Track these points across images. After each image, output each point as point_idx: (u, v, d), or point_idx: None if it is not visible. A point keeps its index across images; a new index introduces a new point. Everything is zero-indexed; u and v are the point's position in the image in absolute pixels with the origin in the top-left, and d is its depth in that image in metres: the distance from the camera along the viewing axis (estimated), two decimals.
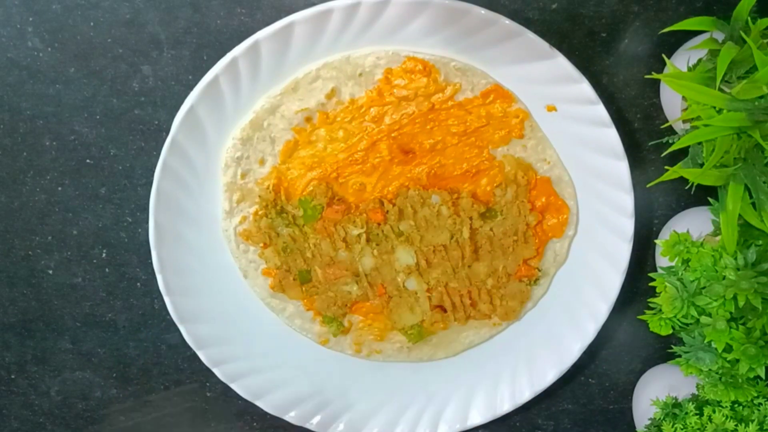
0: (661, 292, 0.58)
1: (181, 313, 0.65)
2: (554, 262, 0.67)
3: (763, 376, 0.56)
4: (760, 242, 0.56)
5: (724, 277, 0.55)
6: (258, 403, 0.67)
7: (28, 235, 0.69)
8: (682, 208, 0.68)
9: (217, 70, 0.60)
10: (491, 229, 0.65)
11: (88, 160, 0.68)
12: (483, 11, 0.59)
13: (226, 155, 0.64)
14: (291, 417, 0.67)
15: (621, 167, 0.62)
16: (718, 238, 0.57)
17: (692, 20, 0.55)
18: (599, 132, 0.62)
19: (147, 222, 0.63)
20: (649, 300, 0.59)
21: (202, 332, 0.66)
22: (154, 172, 0.62)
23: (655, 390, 0.66)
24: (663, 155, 0.57)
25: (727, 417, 0.58)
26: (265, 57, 0.60)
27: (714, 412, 0.58)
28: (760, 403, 0.58)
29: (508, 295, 0.67)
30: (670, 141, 0.55)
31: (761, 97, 0.50)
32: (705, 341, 0.57)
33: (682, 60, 0.58)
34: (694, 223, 0.62)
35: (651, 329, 0.59)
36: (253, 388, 0.67)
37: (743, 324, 0.56)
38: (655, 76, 0.54)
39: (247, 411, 0.73)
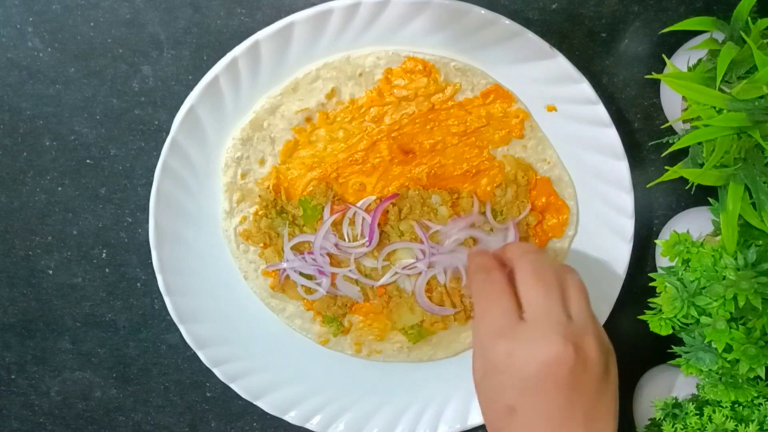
0: (661, 292, 0.58)
1: (181, 313, 0.65)
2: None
3: (763, 376, 0.56)
4: (760, 242, 0.56)
5: (724, 277, 0.55)
6: (258, 403, 0.67)
7: (28, 235, 0.69)
8: (682, 208, 0.68)
9: (217, 70, 0.60)
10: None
11: (88, 160, 0.68)
12: (483, 11, 0.59)
13: (226, 155, 0.64)
14: (291, 417, 0.67)
15: (621, 167, 0.62)
16: (718, 238, 0.57)
17: (692, 20, 0.55)
18: (599, 132, 0.62)
19: (147, 222, 0.63)
20: (649, 300, 0.59)
21: (202, 332, 0.66)
22: (154, 172, 0.62)
23: (655, 390, 0.66)
24: (663, 155, 0.57)
25: (727, 417, 0.58)
26: (265, 57, 0.60)
27: (714, 412, 0.58)
28: (760, 403, 0.58)
29: None
30: (670, 141, 0.55)
31: (761, 97, 0.50)
32: (705, 341, 0.57)
33: (682, 60, 0.58)
34: (694, 223, 0.62)
35: (651, 329, 0.59)
36: (253, 388, 0.67)
37: (743, 324, 0.56)
38: (655, 76, 0.54)
39: (247, 411, 0.73)
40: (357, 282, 0.66)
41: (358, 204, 0.64)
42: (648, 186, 0.63)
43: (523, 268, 0.53)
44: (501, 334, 0.51)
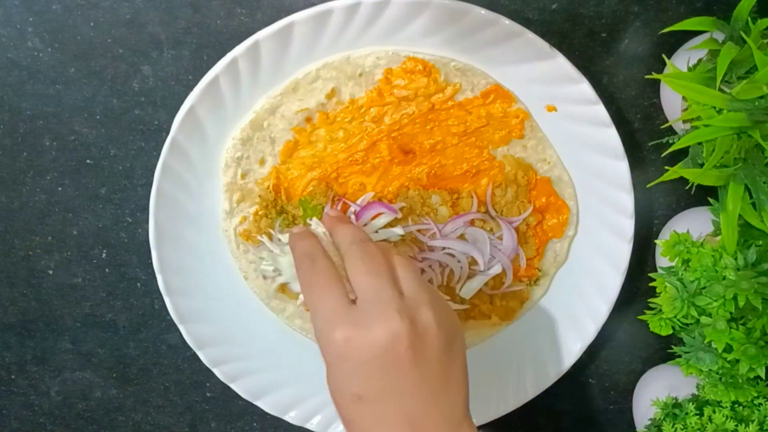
0: (661, 292, 0.58)
1: (181, 313, 0.65)
2: (554, 262, 0.67)
3: (763, 376, 0.56)
4: (760, 242, 0.56)
5: (724, 278, 0.55)
6: (258, 403, 0.67)
7: (28, 235, 0.69)
8: (682, 208, 0.68)
9: (217, 70, 0.60)
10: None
11: (88, 160, 0.68)
12: (483, 11, 0.59)
13: (226, 155, 0.64)
14: (291, 417, 0.67)
15: (621, 167, 0.62)
16: (718, 238, 0.57)
17: (692, 20, 0.55)
18: (599, 132, 0.62)
19: (147, 222, 0.63)
20: (649, 300, 0.60)
21: (202, 332, 0.66)
22: (154, 172, 0.62)
23: (655, 390, 0.66)
24: (663, 155, 0.57)
25: (727, 417, 0.58)
26: (265, 57, 0.60)
27: (714, 412, 0.58)
28: (760, 404, 0.58)
29: (508, 296, 0.67)
30: (670, 141, 0.56)
31: (761, 97, 0.50)
32: (705, 341, 0.57)
33: (682, 60, 0.58)
34: (694, 223, 0.62)
35: (651, 329, 0.59)
36: (253, 388, 0.67)
37: (743, 324, 0.56)
38: (655, 76, 0.54)
39: (247, 411, 0.73)
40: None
41: (357, 202, 0.64)
42: (648, 186, 0.63)
43: (350, 254, 0.52)
44: (335, 322, 0.48)
